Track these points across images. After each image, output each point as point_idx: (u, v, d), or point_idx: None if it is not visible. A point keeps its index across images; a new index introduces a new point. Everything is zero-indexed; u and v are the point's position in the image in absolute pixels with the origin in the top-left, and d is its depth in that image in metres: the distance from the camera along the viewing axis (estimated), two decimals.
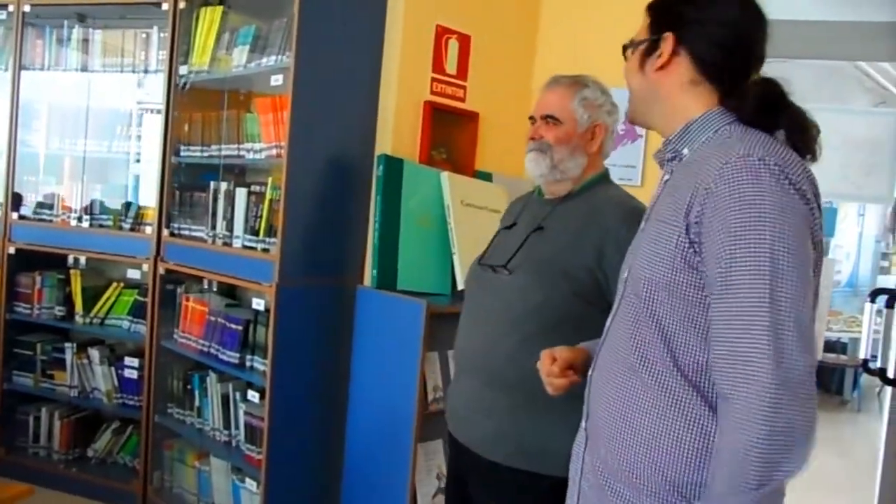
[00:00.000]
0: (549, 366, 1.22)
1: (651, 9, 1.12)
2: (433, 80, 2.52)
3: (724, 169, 0.92)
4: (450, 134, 2.60)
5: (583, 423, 1.15)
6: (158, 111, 2.79)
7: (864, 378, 6.16)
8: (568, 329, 1.44)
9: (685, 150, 1.06)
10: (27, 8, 2.98)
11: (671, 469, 0.97)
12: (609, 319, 1.12)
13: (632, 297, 1.05)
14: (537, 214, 1.61)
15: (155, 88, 2.85)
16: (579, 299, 1.47)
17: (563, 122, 1.58)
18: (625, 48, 1.14)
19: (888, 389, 2.48)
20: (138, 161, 3.11)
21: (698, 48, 1.05)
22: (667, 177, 1.10)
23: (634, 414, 1.01)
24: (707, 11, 1.05)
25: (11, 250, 3.00)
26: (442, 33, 2.53)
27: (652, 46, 1.08)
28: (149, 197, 2.94)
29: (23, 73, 3.01)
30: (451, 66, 2.57)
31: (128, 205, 2.98)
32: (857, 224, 7.62)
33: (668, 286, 0.98)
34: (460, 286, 2.29)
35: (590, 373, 1.15)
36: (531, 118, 1.65)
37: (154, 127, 2.86)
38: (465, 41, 2.60)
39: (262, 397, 2.31)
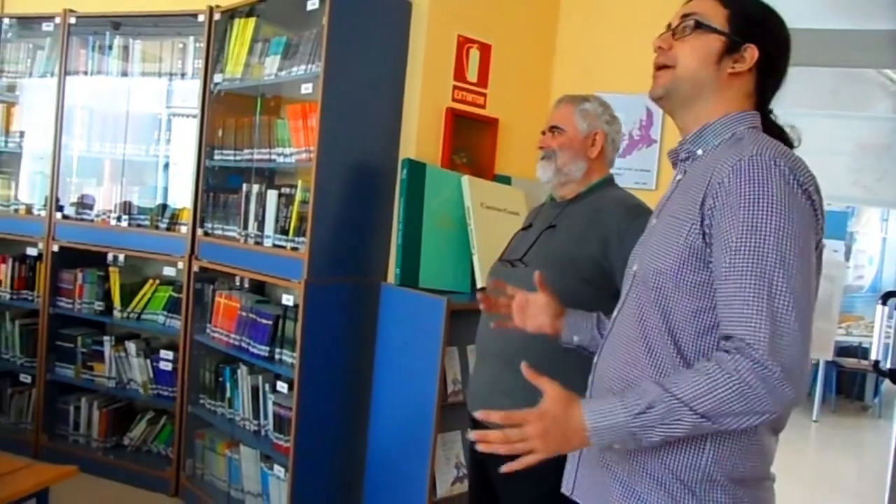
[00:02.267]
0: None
1: (733, 7, 1.10)
2: (455, 87, 2.64)
3: (737, 166, 0.99)
4: (470, 139, 2.70)
5: None
6: (194, 116, 2.94)
7: (886, 384, 6.12)
8: None
9: (699, 151, 1.12)
10: (73, 20, 3.16)
11: (670, 455, 1.03)
12: (616, 311, 1.19)
13: (640, 288, 1.10)
14: (549, 215, 1.81)
15: (191, 95, 3.00)
16: (586, 286, 1.63)
17: (566, 131, 1.79)
18: (698, 23, 1.10)
19: None
20: (169, 165, 3.26)
21: (767, 68, 1.11)
22: (679, 176, 1.16)
23: None
24: (781, 35, 1.12)
25: (55, 248, 3.17)
26: (463, 43, 2.64)
27: (733, 47, 1.09)
28: (181, 198, 3.10)
29: (67, 79, 3.18)
30: (472, 74, 2.69)
31: (163, 206, 3.13)
32: (881, 229, 7.56)
33: (676, 277, 1.03)
34: (479, 284, 2.40)
35: (595, 360, 1.22)
36: (543, 132, 1.85)
37: (188, 132, 3.00)
38: (485, 50, 2.71)
39: (290, 388, 2.44)
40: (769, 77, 1.13)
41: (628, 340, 1.11)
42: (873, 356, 2.70)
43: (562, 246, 1.70)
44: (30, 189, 3.43)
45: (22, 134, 3.41)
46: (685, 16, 1.13)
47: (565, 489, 1.21)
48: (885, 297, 2.68)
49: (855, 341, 6.22)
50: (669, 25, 1.16)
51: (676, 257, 1.04)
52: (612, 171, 1.85)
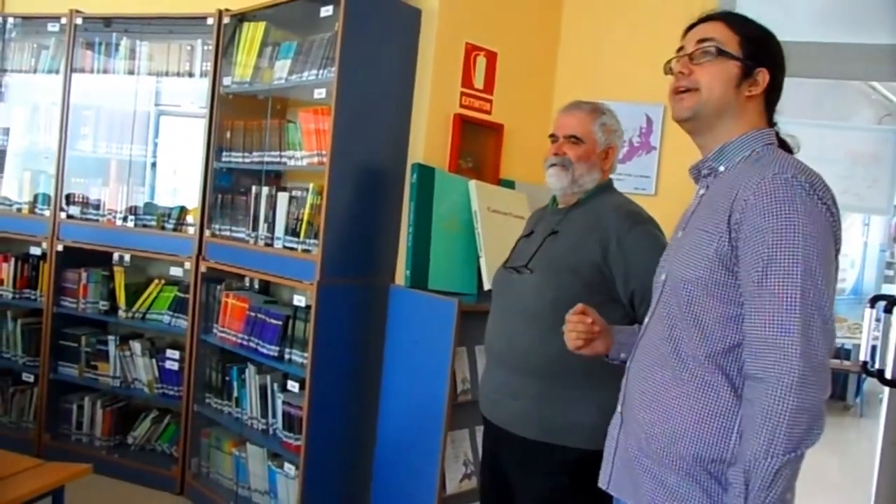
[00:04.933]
0: (582, 316, 1.37)
1: (743, 33, 1.18)
2: (462, 94, 2.70)
3: (761, 184, 1.07)
4: (476, 144, 2.77)
5: (619, 408, 1.30)
6: (202, 117, 2.97)
7: (868, 383, 6.29)
8: None
9: (721, 168, 1.20)
10: (79, 21, 3.17)
11: (697, 447, 1.11)
12: (647, 318, 1.27)
13: (670, 296, 1.18)
14: (552, 221, 1.84)
15: (198, 97, 3.03)
16: (588, 291, 1.67)
17: (584, 143, 1.80)
18: (719, 49, 1.16)
19: (887, 391, 2.62)
20: (174, 165, 3.28)
21: (775, 88, 1.20)
22: (702, 191, 1.24)
23: (665, 400, 1.15)
24: (781, 54, 1.21)
25: (59, 248, 3.18)
26: (471, 50, 2.71)
27: (748, 71, 1.17)
28: (187, 199, 3.12)
29: (73, 79, 3.19)
30: (478, 81, 2.75)
31: (168, 207, 3.15)
32: (863, 234, 7.75)
33: (706, 285, 1.12)
34: (486, 286, 2.46)
35: (628, 363, 1.30)
36: (552, 136, 1.86)
37: (195, 133, 3.03)
38: (491, 58, 2.78)
39: (301, 387, 2.48)
40: (773, 94, 1.22)
41: (658, 345, 1.19)
42: (862, 357, 2.79)
43: (564, 252, 1.74)
44: (18, 187, 3.42)
45: (6, 131, 3.41)
46: (701, 41, 1.18)
47: (602, 483, 1.28)
48: (874, 301, 2.77)
49: (838, 342, 6.37)
50: (681, 49, 1.22)
51: (706, 267, 1.12)
52: (611, 176, 1.92)
